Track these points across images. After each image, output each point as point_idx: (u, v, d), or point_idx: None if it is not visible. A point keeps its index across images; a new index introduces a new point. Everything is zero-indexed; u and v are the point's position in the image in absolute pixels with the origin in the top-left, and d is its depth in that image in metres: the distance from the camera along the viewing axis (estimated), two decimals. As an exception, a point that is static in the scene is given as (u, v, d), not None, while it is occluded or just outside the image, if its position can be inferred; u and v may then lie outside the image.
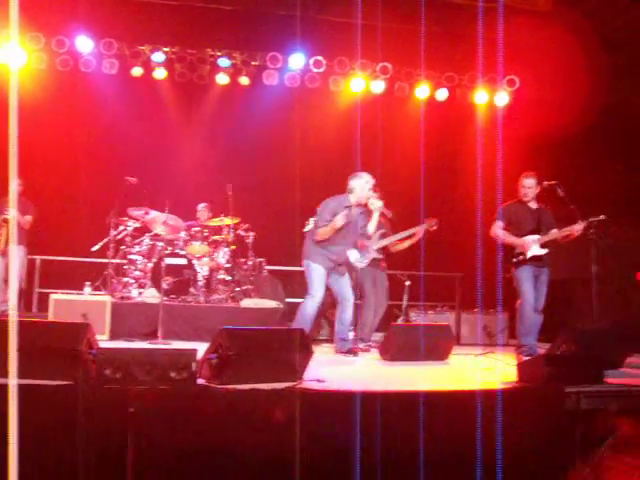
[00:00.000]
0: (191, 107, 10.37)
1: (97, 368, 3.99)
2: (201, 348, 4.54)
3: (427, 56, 8.90)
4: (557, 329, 7.46)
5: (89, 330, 4.40)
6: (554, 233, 6.79)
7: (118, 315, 7.66)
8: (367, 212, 6.99)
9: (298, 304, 9.16)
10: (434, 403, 4.21)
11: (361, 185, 6.75)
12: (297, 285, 9.71)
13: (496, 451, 3.94)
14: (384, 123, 9.27)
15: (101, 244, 8.61)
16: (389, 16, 8.64)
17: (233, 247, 8.92)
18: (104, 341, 6.88)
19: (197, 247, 8.58)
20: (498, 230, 6.88)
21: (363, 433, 3.91)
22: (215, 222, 9.00)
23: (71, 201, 9.60)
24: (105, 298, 7.76)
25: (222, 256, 8.74)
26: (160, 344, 6.90)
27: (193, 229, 8.72)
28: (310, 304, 6.73)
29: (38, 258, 9.21)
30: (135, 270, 8.45)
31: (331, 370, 5.54)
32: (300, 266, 9.42)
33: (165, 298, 7.76)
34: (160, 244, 8.44)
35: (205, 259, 8.61)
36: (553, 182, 6.92)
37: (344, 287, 6.87)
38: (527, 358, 6.15)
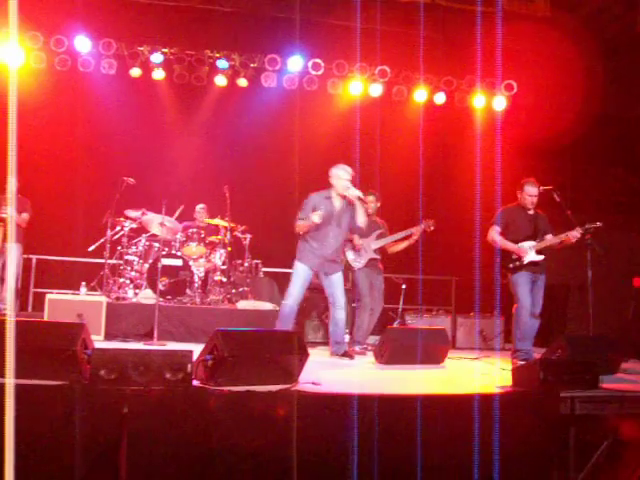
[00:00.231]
0: (189, 108, 10.37)
1: (92, 368, 3.98)
2: (196, 349, 4.53)
3: (425, 60, 8.93)
4: (553, 334, 7.50)
5: (84, 330, 4.38)
6: (549, 239, 6.80)
7: (114, 316, 7.65)
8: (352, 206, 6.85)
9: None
10: (429, 407, 4.21)
11: (337, 174, 6.68)
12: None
13: (492, 455, 3.93)
14: (382, 126, 9.28)
15: (97, 244, 8.61)
16: (388, 20, 8.67)
17: (229, 249, 8.92)
18: (99, 341, 6.87)
19: (193, 248, 8.58)
20: (495, 235, 6.88)
21: (358, 436, 3.90)
22: (212, 223, 9.00)
23: (68, 201, 9.58)
24: (101, 298, 7.74)
25: (218, 258, 8.74)
26: (155, 345, 6.89)
27: (190, 230, 8.72)
28: (285, 303, 6.69)
29: (34, 257, 9.20)
30: (131, 271, 8.45)
31: (326, 373, 5.54)
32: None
33: (161, 299, 7.75)
34: (156, 245, 8.44)
35: (201, 260, 8.61)
36: (549, 187, 6.92)
37: (334, 288, 6.74)
38: (523, 363, 6.16)
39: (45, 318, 7.30)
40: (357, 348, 7.37)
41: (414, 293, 8.83)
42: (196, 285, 8.51)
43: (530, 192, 6.85)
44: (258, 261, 9.21)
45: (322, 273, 6.77)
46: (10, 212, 7.53)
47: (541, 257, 6.76)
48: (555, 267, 7.42)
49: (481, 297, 7.15)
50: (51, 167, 9.34)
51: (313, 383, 4.64)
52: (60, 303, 7.51)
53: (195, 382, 4.28)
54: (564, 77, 9.38)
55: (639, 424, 4.59)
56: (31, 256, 9.11)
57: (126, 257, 8.51)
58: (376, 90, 10.35)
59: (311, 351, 4.97)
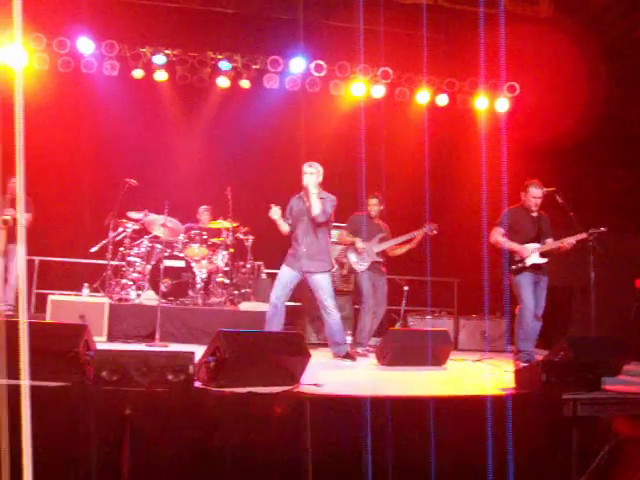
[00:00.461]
0: (192, 110, 10.37)
1: (94, 370, 3.98)
2: (198, 351, 4.54)
3: (428, 61, 8.92)
4: (555, 336, 7.48)
5: (87, 331, 4.39)
6: (550, 243, 6.79)
7: (116, 317, 7.66)
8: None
9: (297, 307, 9.21)
10: (430, 409, 4.21)
11: (303, 171, 6.65)
12: (295, 289, 9.70)
13: (502, 457, 3.93)
14: (385, 128, 9.28)
15: (100, 245, 8.61)
16: (391, 21, 8.66)
17: (232, 250, 8.93)
18: (102, 343, 6.87)
19: (196, 250, 8.58)
20: (498, 236, 6.88)
21: (359, 437, 3.90)
22: (214, 225, 9.00)
23: (70, 202, 9.60)
24: (103, 300, 7.75)
25: (221, 259, 8.74)
26: (157, 346, 6.90)
27: (192, 231, 8.72)
28: (269, 304, 6.70)
29: (37, 259, 9.20)
30: (133, 272, 8.45)
31: (328, 374, 5.54)
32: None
33: (163, 300, 7.76)
34: (159, 246, 8.44)
35: (204, 262, 8.61)
36: (552, 189, 6.91)
37: (317, 289, 6.62)
38: (525, 364, 6.16)
39: (47, 319, 7.30)
40: (359, 350, 7.37)
41: (416, 295, 8.82)
42: (198, 286, 8.51)
43: (534, 194, 6.84)
44: (260, 263, 9.21)
45: (308, 276, 6.64)
46: (12, 214, 7.57)
47: (544, 260, 6.76)
48: (558, 269, 7.41)
49: (483, 299, 7.14)
50: (54, 168, 9.35)
51: (315, 385, 4.64)
52: (62, 304, 7.52)
53: (197, 383, 4.29)
54: (567, 78, 9.37)
55: (641, 426, 4.58)
56: (33, 257, 9.11)
57: (128, 258, 8.51)
58: (379, 91, 10.35)
59: (313, 352, 4.97)
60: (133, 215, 8.64)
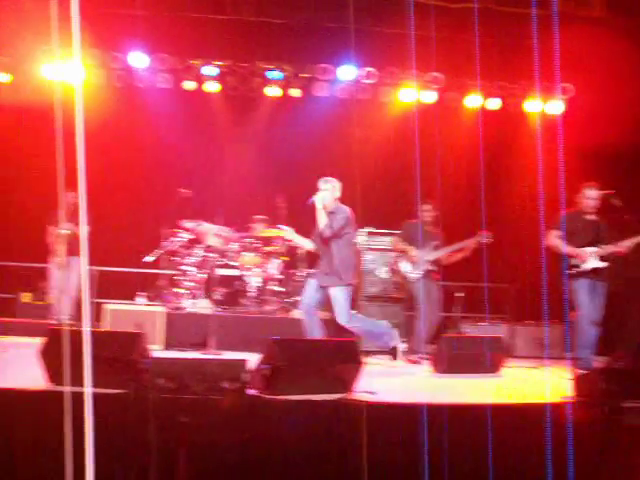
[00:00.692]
0: (243, 120, 10.47)
1: (150, 377, 4.04)
2: (252, 359, 4.56)
3: (479, 66, 8.82)
4: (614, 343, 7.30)
5: (143, 340, 4.46)
6: (610, 247, 6.64)
7: (171, 325, 7.76)
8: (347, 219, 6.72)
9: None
10: (486, 417, 4.15)
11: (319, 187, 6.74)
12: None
13: (549, 466, 3.85)
14: (435, 133, 9.21)
15: (155, 255, 8.74)
16: (441, 26, 8.60)
17: (284, 258, 8.96)
18: (157, 351, 6.97)
19: (249, 258, 8.64)
20: (555, 240, 6.76)
21: (415, 445, 3.87)
22: (267, 233, 9.05)
23: (126, 213, 9.77)
24: (158, 308, 7.87)
25: (273, 267, 8.78)
26: (212, 354, 6.96)
27: (245, 240, 8.79)
28: None
29: (94, 269, 9.39)
30: (188, 281, 8.56)
31: (382, 382, 5.51)
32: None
33: (217, 309, 7.83)
34: (212, 255, 8.54)
35: (257, 270, 8.66)
36: (609, 192, 6.77)
37: (333, 305, 6.68)
38: (583, 372, 6.01)
39: (105, 328, 7.45)
40: (414, 357, 7.31)
41: (471, 301, 8.71)
42: (251, 295, 8.57)
43: (590, 195, 6.72)
44: (313, 270, 9.21)
45: (326, 290, 6.67)
46: (71, 227, 7.77)
47: (603, 264, 6.61)
48: (617, 274, 7.23)
49: (539, 305, 7.00)
50: (109, 180, 9.52)
51: (369, 392, 4.62)
52: (119, 313, 7.67)
53: (251, 391, 4.31)
54: (622, 79, 9.16)
55: None
56: (91, 267, 9.29)
57: (183, 267, 8.63)
58: (429, 97, 10.29)
59: (367, 360, 4.95)
60: (187, 225, 8.75)
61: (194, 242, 8.87)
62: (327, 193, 6.67)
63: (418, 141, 7.46)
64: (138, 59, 9.69)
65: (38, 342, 4.43)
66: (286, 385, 4.32)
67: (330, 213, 6.61)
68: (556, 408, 4.24)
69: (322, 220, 6.59)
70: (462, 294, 8.49)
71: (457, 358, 6.27)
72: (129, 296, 8.62)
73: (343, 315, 6.59)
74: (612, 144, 8.84)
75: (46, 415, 3.61)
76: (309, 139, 10.05)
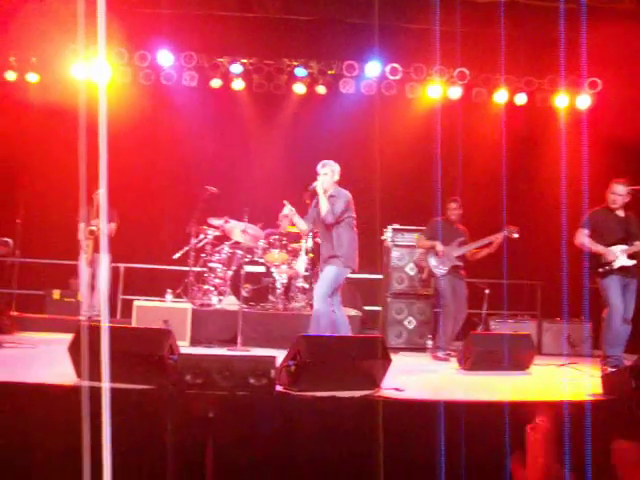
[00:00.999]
0: (269, 117, 10.49)
1: (178, 373, 4.07)
2: (279, 355, 4.58)
3: (505, 60, 8.74)
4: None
5: (171, 336, 4.50)
6: (638, 244, 6.55)
7: (198, 322, 7.82)
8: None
9: (376, 312, 9.19)
10: (515, 414, 4.12)
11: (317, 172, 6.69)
12: (375, 293, 9.68)
13: (585, 465, 3.82)
14: (462, 129, 9.15)
15: (182, 252, 8.80)
16: (467, 21, 8.53)
17: (312, 255, 8.97)
18: (185, 347, 7.02)
19: (276, 255, 8.67)
20: (583, 238, 6.68)
21: (442, 442, 3.85)
22: (293, 230, 9.07)
23: (153, 210, 9.84)
24: (186, 305, 7.93)
25: (301, 264, 8.79)
26: (239, 351, 7.00)
27: (272, 237, 8.81)
28: None
29: (122, 266, 9.48)
30: (215, 278, 8.61)
31: (409, 379, 5.50)
32: (376, 274, 9.40)
33: (244, 305, 7.86)
34: (239, 252, 8.57)
35: (284, 267, 8.68)
36: (638, 187, 6.68)
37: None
38: (613, 370, 5.95)
39: (133, 324, 7.52)
40: (441, 354, 7.29)
41: (498, 298, 8.65)
42: (279, 291, 8.59)
43: (617, 191, 6.63)
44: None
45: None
46: (98, 225, 7.85)
47: (633, 262, 6.53)
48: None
49: (568, 301, 6.93)
50: (137, 178, 9.62)
51: (396, 389, 4.61)
52: (147, 310, 7.74)
53: (278, 387, 4.33)
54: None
55: None
56: (119, 264, 9.39)
57: (210, 264, 8.68)
58: (455, 93, 10.23)
59: (394, 356, 4.94)
60: (214, 222, 8.80)
61: (221, 239, 8.92)
62: (326, 177, 6.64)
63: (443, 137, 7.43)
64: (165, 57, 9.76)
65: (68, 338, 4.49)
66: (313, 382, 4.33)
67: (330, 197, 6.58)
68: (584, 406, 4.20)
69: (324, 206, 6.54)
70: (488, 291, 8.43)
71: (484, 355, 6.23)
72: (158, 293, 8.68)
73: (320, 293, 6.41)
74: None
75: (75, 410, 3.65)
76: (335, 136, 10.04)
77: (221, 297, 8.51)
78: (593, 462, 3.85)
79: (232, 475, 3.83)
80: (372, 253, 8.78)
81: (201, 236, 8.80)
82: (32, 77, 9.83)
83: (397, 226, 8.86)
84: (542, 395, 5.12)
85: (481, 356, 6.22)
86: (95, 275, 8.36)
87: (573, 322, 8.71)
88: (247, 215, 7.85)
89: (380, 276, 9.29)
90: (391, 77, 10.11)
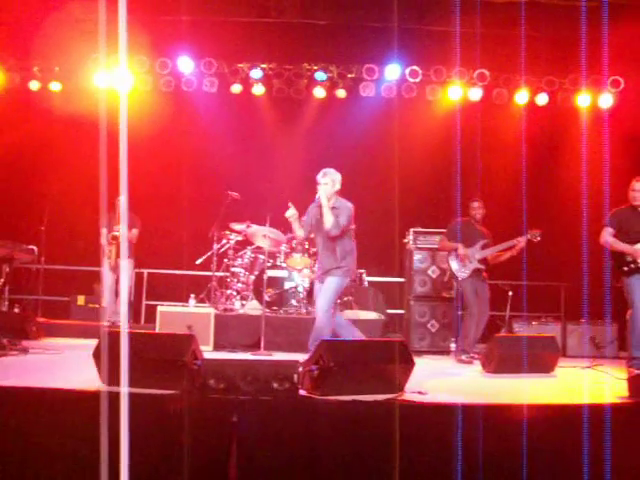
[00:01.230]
0: (289, 121, 10.52)
1: (202, 378, 4.10)
2: (302, 359, 4.58)
3: (526, 61, 8.70)
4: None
5: (194, 341, 4.52)
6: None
7: (221, 327, 7.85)
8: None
9: (399, 315, 9.17)
10: (539, 417, 4.09)
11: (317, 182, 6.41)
12: (397, 296, 9.67)
13: (605, 470, 3.78)
14: (483, 131, 9.12)
15: (205, 257, 8.86)
16: (487, 22, 8.51)
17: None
18: (208, 352, 7.05)
19: (298, 259, 8.68)
20: (608, 237, 6.63)
21: (466, 447, 3.84)
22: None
23: (176, 216, 9.90)
24: (209, 310, 7.96)
25: (322, 268, 8.79)
26: (262, 355, 7.02)
27: (294, 241, 8.82)
28: None
29: (145, 271, 9.56)
30: (237, 282, 8.64)
31: (432, 382, 5.48)
32: (398, 277, 9.37)
33: (267, 310, 7.88)
34: (262, 257, 8.60)
35: (306, 271, 8.68)
36: None
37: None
38: (639, 372, 5.89)
39: (157, 329, 7.57)
40: (464, 357, 7.26)
41: (521, 300, 8.60)
42: (301, 295, 8.60)
43: (636, 187, 6.57)
44: (362, 270, 9.19)
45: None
46: (122, 231, 7.91)
47: (658, 260, 6.46)
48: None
49: (592, 303, 6.87)
50: (159, 184, 9.71)
51: (419, 392, 4.60)
52: (171, 315, 7.78)
53: (301, 392, 4.33)
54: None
55: None
56: (142, 270, 9.47)
57: (232, 269, 8.72)
58: (476, 94, 10.19)
59: (417, 360, 4.93)
60: (236, 227, 8.83)
61: (243, 244, 8.95)
62: (327, 187, 6.33)
63: (463, 139, 7.41)
64: (185, 64, 9.84)
65: (93, 344, 4.53)
66: (336, 386, 4.33)
67: (333, 208, 6.29)
68: (609, 409, 4.15)
69: (329, 219, 6.22)
70: (511, 293, 8.38)
71: (508, 358, 6.19)
72: (181, 298, 8.74)
73: (325, 305, 6.19)
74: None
75: (99, 415, 3.69)
76: (355, 139, 10.05)
77: (244, 302, 8.54)
78: (617, 465, 3.81)
79: (256, 479, 3.84)
80: (393, 256, 8.77)
81: (223, 241, 8.85)
82: (55, 86, 9.99)
83: (419, 229, 8.83)
84: (566, 398, 5.07)
85: (505, 359, 6.18)
86: (118, 280, 8.43)
87: (597, 323, 8.63)
88: (269, 220, 7.87)
89: (402, 279, 9.28)
90: (411, 80, 10.10)
